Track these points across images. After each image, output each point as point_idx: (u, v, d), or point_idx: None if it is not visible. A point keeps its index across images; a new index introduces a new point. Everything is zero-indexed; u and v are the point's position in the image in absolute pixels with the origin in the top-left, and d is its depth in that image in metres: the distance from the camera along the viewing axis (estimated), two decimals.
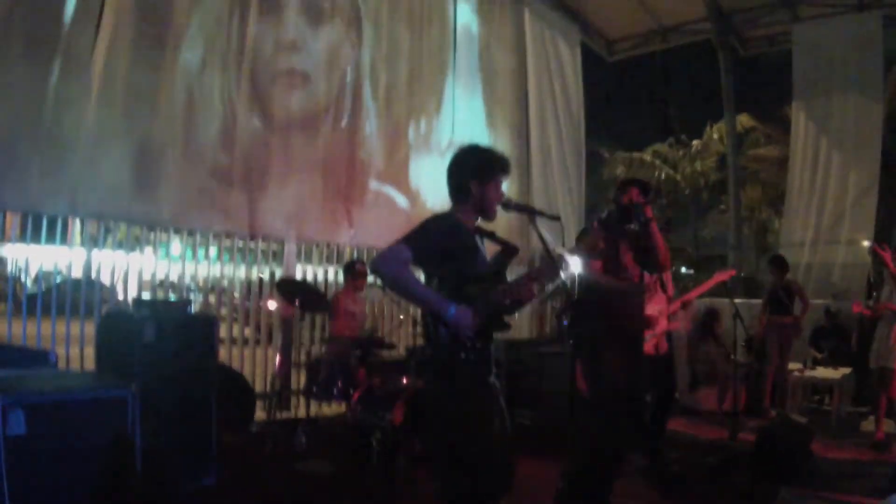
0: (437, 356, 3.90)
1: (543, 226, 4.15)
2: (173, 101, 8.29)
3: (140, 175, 7.94)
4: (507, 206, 4.14)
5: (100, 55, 7.61)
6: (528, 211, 4.19)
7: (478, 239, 4.16)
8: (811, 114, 14.99)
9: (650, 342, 7.13)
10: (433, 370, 3.98)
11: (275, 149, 9.28)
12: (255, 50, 9.19)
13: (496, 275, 4.15)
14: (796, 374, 10.70)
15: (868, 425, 9.63)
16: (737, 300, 9.37)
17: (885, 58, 14.62)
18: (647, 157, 33.01)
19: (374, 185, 10.59)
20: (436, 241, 3.91)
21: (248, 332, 9.47)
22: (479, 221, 4.20)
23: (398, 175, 11.09)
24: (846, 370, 10.79)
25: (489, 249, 4.21)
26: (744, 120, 27.37)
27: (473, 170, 4.09)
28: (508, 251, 4.22)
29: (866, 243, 13.84)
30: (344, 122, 10.22)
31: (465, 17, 12.60)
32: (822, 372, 10.85)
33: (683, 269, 33.80)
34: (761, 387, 10.58)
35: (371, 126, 10.62)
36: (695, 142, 32.77)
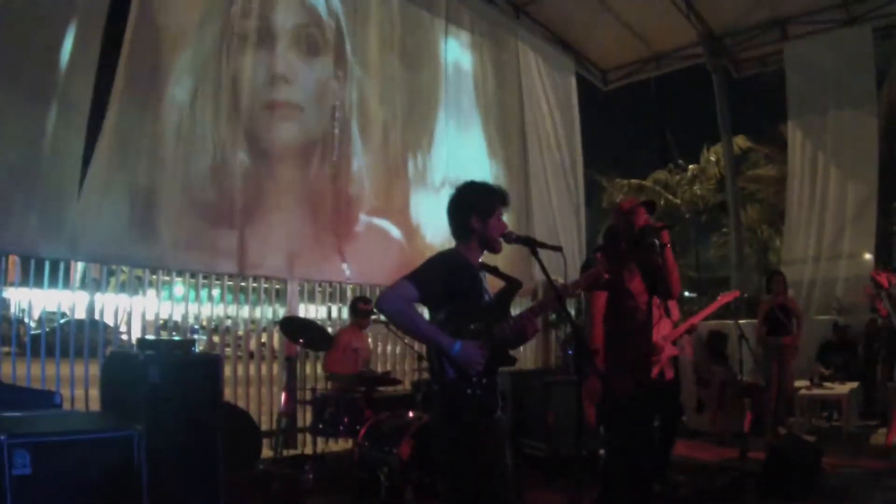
0: (444, 392, 3.90)
1: (545, 257, 4.16)
2: (167, 141, 8.33)
3: (138, 217, 7.97)
4: (509, 238, 4.15)
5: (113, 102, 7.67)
6: (529, 243, 4.19)
7: (481, 275, 4.19)
8: (807, 131, 15.04)
9: (655, 368, 7.12)
10: (440, 406, 3.97)
11: (268, 184, 9.33)
12: (249, 82, 9.26)
13: (500, 310, 4.17)
14: (804, 391, 10.66)
15: (878, 438, 9.60)
16: (741, 321, 9.35)
17: (877, 70, 14.71)
18: (648, 183, 33.14)
19: (363, 219, 10.58)
20: (441, 279, 3.94)
21: (252, 370, 9.45)
22: (485, 255, 4.22)
23: (394, 210, 11.11)
24: (853, 385, 10.76)
25: (492, 284, 4.23)
26: (740, 141, 27.50)
27: (473, 206, 4.12)
28: (512, 286, 4.24)
29: (868, 256, 13.85)
30: (333, 157, 10.25)
31: (459, 52, 12.69)
32: (830, 387, 10.82)
33: (686, 293, 33.76)
34: (763, 406, 10.51)
35: (359, 161, 10.64)
36: (691, 166, 32.92)
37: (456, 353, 3.76)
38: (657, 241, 5.58)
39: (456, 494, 3.91)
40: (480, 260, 4.22)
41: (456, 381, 3.83)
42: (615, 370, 5.37)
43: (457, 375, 3.83)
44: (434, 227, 10.99)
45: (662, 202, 32.60)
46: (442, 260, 4.09)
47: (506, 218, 4.21)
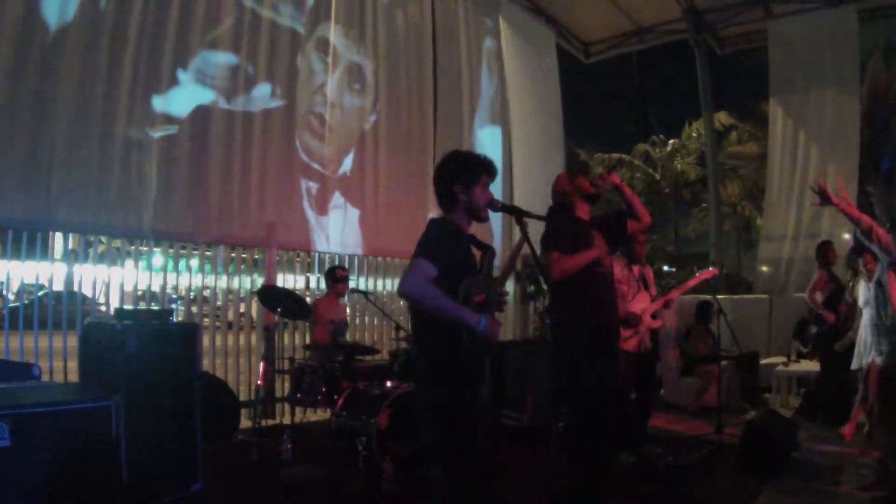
0: (459, 362, 3.88)
1: (529, 226, 4.16)
2: (143, 107, 8.26)
3: (115, 186, 7.91)
4: (495, 206, 4.13)
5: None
6: (515, 212, 4.19)
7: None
8: (788, 109, 15.10)
9: (633, 340, 7.18)
10: (452, 376, 3.91)
11: (247, 153, 9.32)
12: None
13: (490, 279, 4.19)
14: (781, 367, 10.73)
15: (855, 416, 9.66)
16: (719, 296, 9.41)
17: (861, 51, 14.75)
18: (627, 157, 33.17)
19: (341, 189, 10.62)
20: (448, 251, 3.91)
21: (230, 340, 9.45)
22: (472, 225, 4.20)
23: (370, 179, 11.11)
24: None
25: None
26: (722, 118, 27.58)
27: (457, 175, 4.08)
28: (489, 253, 4.22)
29: (847, 236, 13.92)
30: (319, 127, 10.26)
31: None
32: (807, 365, 10.90)
33: (665, 267, 33.90)
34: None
35: (342, 129, 10.65)
36: (671, 141, 32.96)
37: (483, 330, 3.77)
38: (613, 187, 5.75)
39: (462, 457, 3.92)
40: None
41: (472, 352, 3.85)
42: (589, 337, 5.35)
43: (478, 349, 3.87)
44: (406, 196, 11.20)
45: (642, 175, 32.77)
46: (445, 231, 4.04)
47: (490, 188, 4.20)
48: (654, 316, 7.60)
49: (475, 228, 4.26)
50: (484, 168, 4.14)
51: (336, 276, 8.78)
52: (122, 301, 8.59)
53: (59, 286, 8.19)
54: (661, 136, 33.86)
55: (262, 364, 8.48)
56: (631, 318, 7.07)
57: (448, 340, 3.81)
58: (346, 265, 10.21)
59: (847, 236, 13.98)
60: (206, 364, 8.33)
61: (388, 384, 7.05)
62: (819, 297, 9.65)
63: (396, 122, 11.53)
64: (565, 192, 5.80)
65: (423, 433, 4.11)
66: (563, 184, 5.85)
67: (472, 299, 3.91)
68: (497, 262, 4.48)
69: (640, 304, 7.37)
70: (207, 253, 9.25)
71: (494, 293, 4.08)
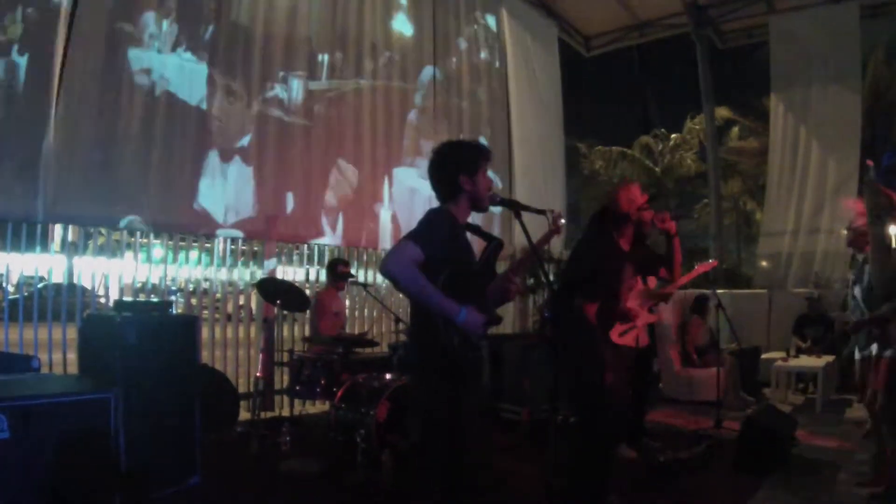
0: (445, 357, 3.80)
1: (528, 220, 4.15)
2: (137, 98, 8.22)
3: (114, 178, 7.89)
4: (493, 200, 4.09)
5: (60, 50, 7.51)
6: (513, 206, 4.16)
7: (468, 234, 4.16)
8: (790, 105, 15.10)
9: (631, 334, 7.16)
10: (438, 370, 3.85)
11: (246, 145, 9.30)
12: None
13: (490, 271, 4.16)
14: (780, 362, 10.73)
15: (852, 412, 9.67)
16: (719, 291, 9.42)
17: (863, 48, 14.74)
18: (629, 150, 33.14)
19: (351, 182, 10.60)
20: (441, 240, 3.84)
21: (230, 332, 9.45)
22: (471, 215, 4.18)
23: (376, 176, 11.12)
24: (829, 358, 10.84)
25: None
26: (723, 112, 27.54)
27: (460, 164, 4.02)
28: (495, 244, 4.20)
29: (846, 233, 13.91)
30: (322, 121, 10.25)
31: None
32: (806, 360, 10.90)
33: None
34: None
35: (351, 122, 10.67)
36: (673, 136, 32.93)
37: (462, 321, 3.68)
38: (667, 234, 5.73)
39: (449, 455, 3.89)
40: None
41: (459, 348, 3.78)
42: (593, 334, 5.35)
43: (461, 341, 3.78)
44: (410, 197, 11.23)
45: (642, 170, 32.76)
46: (441, 220, 3.97)
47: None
48: (651, 310, 7.57)
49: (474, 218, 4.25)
50: (483, 155, 4.10)
51: (338, 271, 8.76)
52: (121, 293, 8.59)
53: (58, 278, 8.18)
54: (663, 129, 33.87)
55: (261, 356, 8.49)
56: (626, 313, 7.04)
57: (435, 334, 3.77)
58: (346, 257, 10.18)
59: (847, 233, 13.98)
60: (205, 356, 8.34)
61: (388, 377, 7.04)
62: None
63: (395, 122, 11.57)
64: (623, 210, 5.67)
65: (411, 428, 4.10)
66: (625, 202, 5.70)
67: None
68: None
69: (637, 298, 7.34)
70: (207, 245, 9.25)
71: (504, 281, 4.07)
